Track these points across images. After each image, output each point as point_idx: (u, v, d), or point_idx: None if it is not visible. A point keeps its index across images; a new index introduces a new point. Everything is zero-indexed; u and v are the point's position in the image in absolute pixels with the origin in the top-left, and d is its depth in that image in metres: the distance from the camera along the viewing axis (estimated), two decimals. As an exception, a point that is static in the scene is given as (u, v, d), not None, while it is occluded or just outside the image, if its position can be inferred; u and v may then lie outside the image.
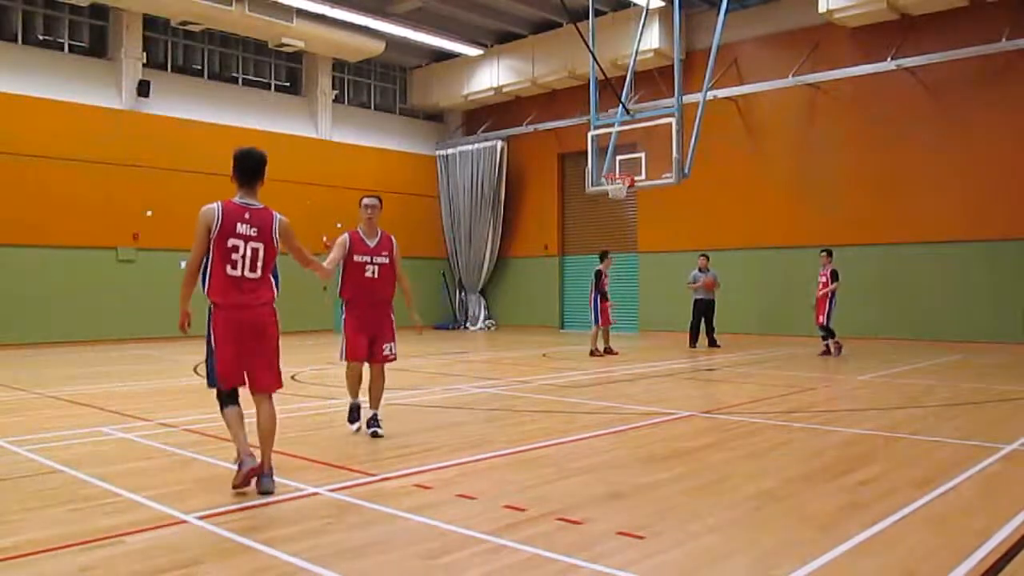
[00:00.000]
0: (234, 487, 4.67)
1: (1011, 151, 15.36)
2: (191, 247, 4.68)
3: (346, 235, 6.49)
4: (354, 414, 6.73)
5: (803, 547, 3.65)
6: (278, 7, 18.25)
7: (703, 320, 16.21)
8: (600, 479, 5.02)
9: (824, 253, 14.22)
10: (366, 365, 6.60)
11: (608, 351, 14.62)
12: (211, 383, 4.84)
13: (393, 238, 6.69)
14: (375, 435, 6.37)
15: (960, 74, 15.89)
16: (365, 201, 6.52)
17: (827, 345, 14.12)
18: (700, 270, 16.24)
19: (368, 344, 6.46)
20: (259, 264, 4.72)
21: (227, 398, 4.82)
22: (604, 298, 14.66)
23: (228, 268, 4.64)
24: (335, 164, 21.59)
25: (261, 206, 4.79)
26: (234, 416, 4.81)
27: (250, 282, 4.70)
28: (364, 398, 6.68)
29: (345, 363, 6.60)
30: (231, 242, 4.62)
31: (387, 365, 6.65)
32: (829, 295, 13.84)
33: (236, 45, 20.63)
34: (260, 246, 4.71)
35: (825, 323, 13.92)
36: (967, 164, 15.81)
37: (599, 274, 14.70)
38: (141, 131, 18.15)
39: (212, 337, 4.70)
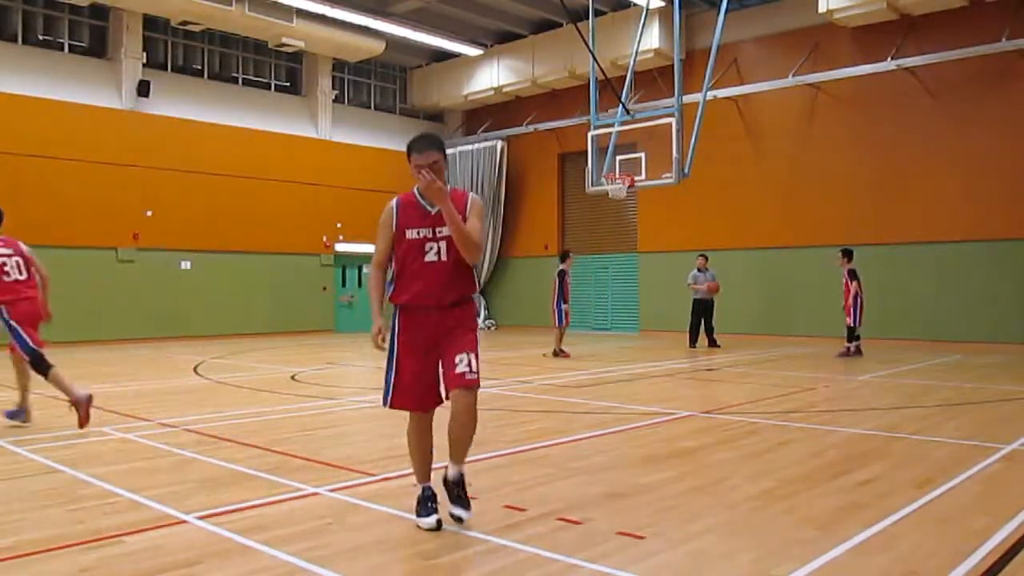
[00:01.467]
0: (83, 425, 6.53)
1: (1011, 151, 15.35)
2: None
3: (392, 202, 4.01)
4: (428, 505, 3.97)
5: (803, 547, 3.65)
6: (278, 7, 18.26)
7: (702, 320, 16.21)
8: (600, 479, 5.02)
9: (841, 254, 14.20)
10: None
11: (560, 353, 14.11)
12: (35, 363, 6.67)
13: (470, 193, 4.07)
14: (458, 519, 3.90)
15: (960, 74, 15.88)
16: (416, 152, 3.95)
17: (848, 346, 14.10)
18: (699, 270, 16.24)
19: (425, 371, 3.97)
20: (23, 269, 6.89)
21: (48, 365, 6.66)
22: (564, 299, 14.24)
23: (3, 277, 6.75)
24: (335, 164, 21.61)
25: (7, 238, 7.00)
26: (59, 372, 6.66)
27: (22, 282, 6.84)
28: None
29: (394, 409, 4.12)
30: None
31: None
32: (853, 296, 13.83)
33: (236, 45, 20.63)
34: (19, 259, 6.90)
35: (852, 324, 13.89)
36: (967, 164, 15.81)
37: (563, 274, 14.35)
38: (141, 131, 18.16)
39: (18, 328, 6.68)
